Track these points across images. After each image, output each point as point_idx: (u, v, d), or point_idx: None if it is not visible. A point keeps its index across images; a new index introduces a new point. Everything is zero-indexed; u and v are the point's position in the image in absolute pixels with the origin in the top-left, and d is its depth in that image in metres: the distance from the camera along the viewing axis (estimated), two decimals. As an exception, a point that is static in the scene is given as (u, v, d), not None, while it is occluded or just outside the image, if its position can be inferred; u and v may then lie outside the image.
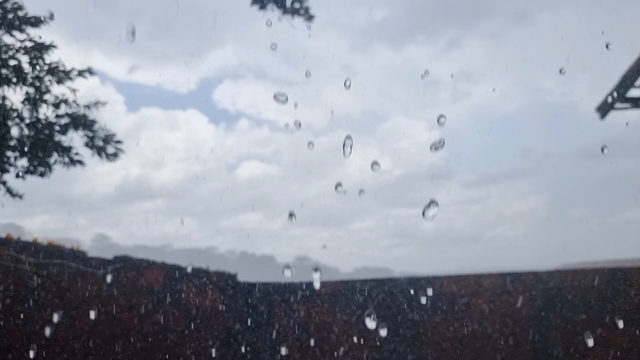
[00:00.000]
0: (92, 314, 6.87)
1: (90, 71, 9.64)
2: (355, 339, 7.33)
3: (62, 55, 9.55)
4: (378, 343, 7.29)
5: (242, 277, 7.68)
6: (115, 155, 10.16)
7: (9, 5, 8.99)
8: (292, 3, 9.01)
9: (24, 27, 9.30)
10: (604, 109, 9.09)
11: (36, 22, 9.27)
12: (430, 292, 7.34)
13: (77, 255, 7.03)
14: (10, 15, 9.17)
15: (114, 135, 10.07)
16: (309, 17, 9.24)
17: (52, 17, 9.31)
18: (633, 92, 8.73)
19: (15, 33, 9.33)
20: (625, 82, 8.42)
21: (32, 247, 6.83)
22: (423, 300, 7.30)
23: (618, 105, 8.97)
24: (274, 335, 7.48)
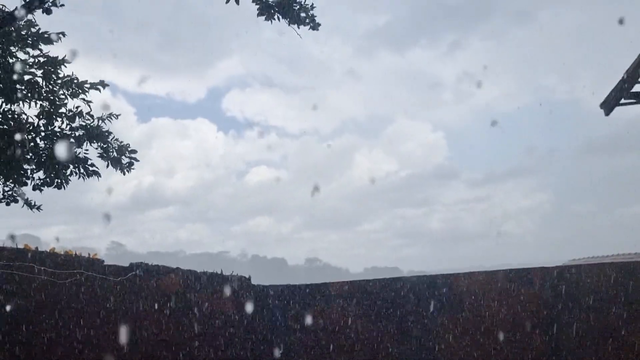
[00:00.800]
0: (111, 321, 7.05)
1: (103, 84, 9.80)
2: (367, 339, 7.43)
3: (74, 69, 9.77)
4: (389, 342, 7.39)
5: (255, 280, 7.82)
6: (129, 165, 10.28)
7: (22, 23, 9.22)
8: (298, 13, 9.05)
9: (37, 43, 9.54)
10: (609, 105, 9.10)
11: (49, 38, 9.50)
12: (439, 290, 7.42)
13: (94, 264, 7.22)
14: (24, 32, 9.42)
15: (128, 145, 10.21)
16: (315, 26, 9.29)
17: (63, 34, 9.51)
18: (638, 87, 8.74)
19: (29, 49, 9.58)
20: (630, 78, 8.42)
21: (50, 257, 7.02)
22: (433, 298, 7.38)
23: (623, 100, 8.97)
24: (289, 337, 7.60)
